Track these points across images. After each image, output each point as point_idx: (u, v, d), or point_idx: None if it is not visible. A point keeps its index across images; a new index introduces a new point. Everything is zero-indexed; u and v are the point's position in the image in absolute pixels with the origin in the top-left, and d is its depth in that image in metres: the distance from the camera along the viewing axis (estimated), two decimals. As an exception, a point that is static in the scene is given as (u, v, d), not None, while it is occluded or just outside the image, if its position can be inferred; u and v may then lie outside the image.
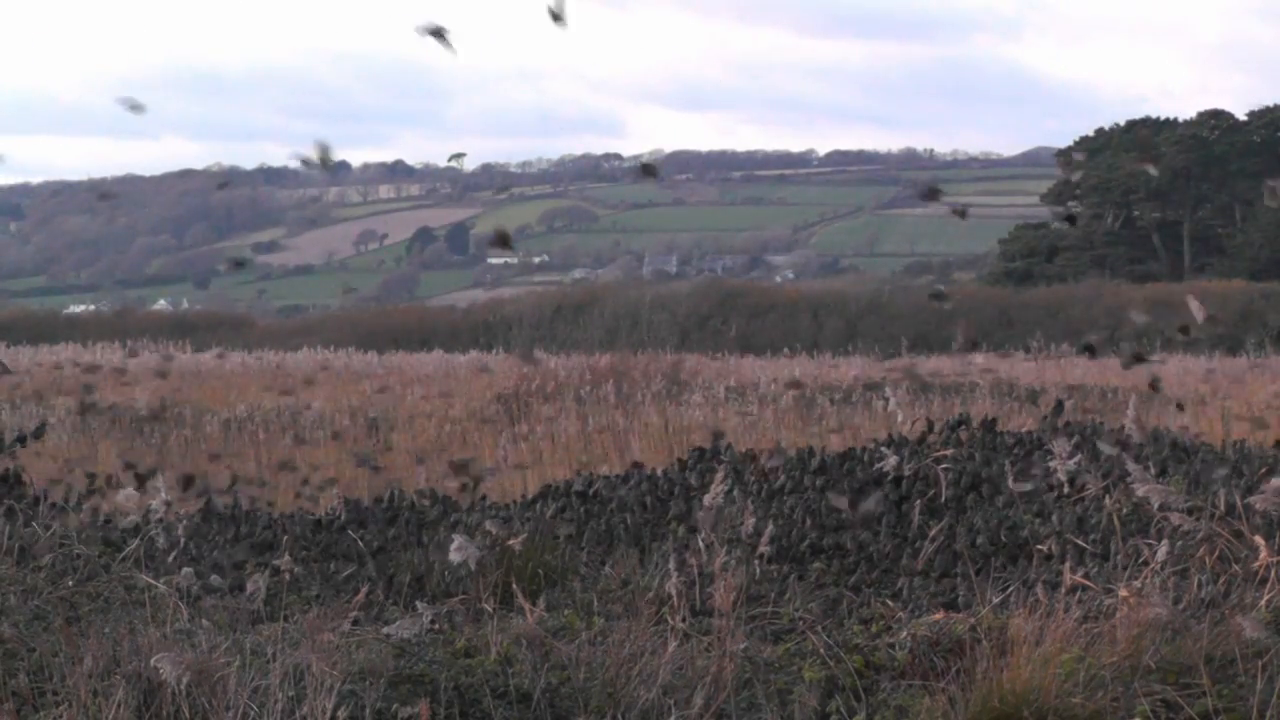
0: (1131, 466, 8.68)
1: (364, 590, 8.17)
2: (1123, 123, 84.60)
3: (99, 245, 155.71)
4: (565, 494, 13.67)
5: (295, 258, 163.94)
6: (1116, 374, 33.96)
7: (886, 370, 34.26)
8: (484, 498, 13.67)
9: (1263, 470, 12.08)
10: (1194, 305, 7.55)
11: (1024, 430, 14.20)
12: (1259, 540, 7.88)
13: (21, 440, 12.79)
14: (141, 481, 10.44)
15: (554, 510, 13.03)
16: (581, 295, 72.32)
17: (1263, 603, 7.72)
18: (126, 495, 10.00)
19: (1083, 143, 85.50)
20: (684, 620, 7.51)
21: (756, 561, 9.51)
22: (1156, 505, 8.23)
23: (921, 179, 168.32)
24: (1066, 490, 10.79)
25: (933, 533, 10.75)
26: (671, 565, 7.83)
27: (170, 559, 9.78)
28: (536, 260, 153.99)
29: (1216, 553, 8.53)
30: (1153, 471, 11.24)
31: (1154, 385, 12.27)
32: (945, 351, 46.76)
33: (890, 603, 8.57)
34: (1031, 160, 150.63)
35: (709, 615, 7.74)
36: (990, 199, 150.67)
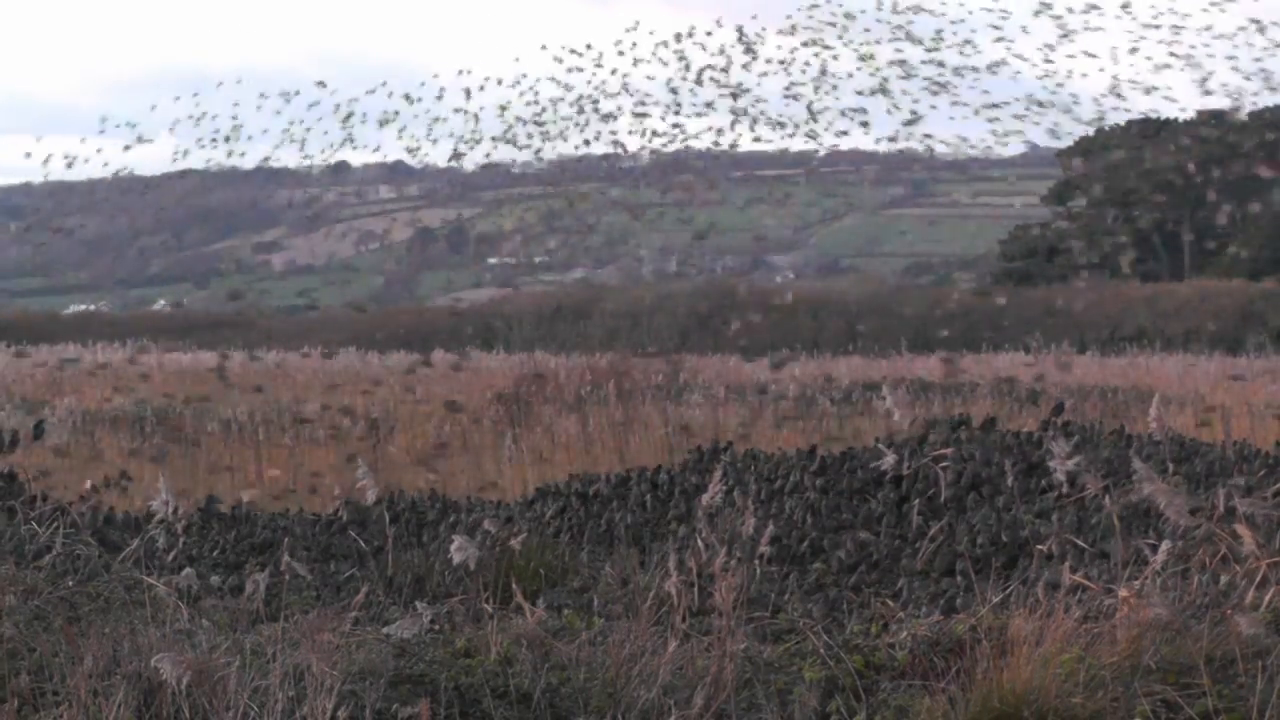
0: (1137, 465, 8.67)
1: (364, 590, 8.17)
2: (1123, 122, 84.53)
3: (99, 245, 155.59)
4: (565, 494, 13.68)
5: (295, 258, 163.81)
6: (1116, 374, 33.96)
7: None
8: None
9: (1262, 471, 12.10)
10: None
11: (1024, 430, 14.22)
12: (1244, 533, 7.86)
13: (15, 442, 12.81)
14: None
15: (554, 510, 13.05)
16: (581, 295, 72.29)
17: (1262, 602, 7.72)
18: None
19: (1082, 143, 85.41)
20: (684, 620, 7.51)
21: (756, 561, 9.50)
22: (1162, 505, 8.22)
23: (922, 179, 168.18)
24: (1066, 490, 10.79)
25: (932, 532, 10.76)
26: (671, 565, 7.83)
27: (170, 559, 9.78)
28: (537, 260, 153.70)
29: (1218, 553, 8.53)
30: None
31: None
32: (945, 351, 46.76)
33: (890, 603, 8.57)
34: (1032, 160, 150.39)
35: (709, 615, 7.74)
36: (990, 199, 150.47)
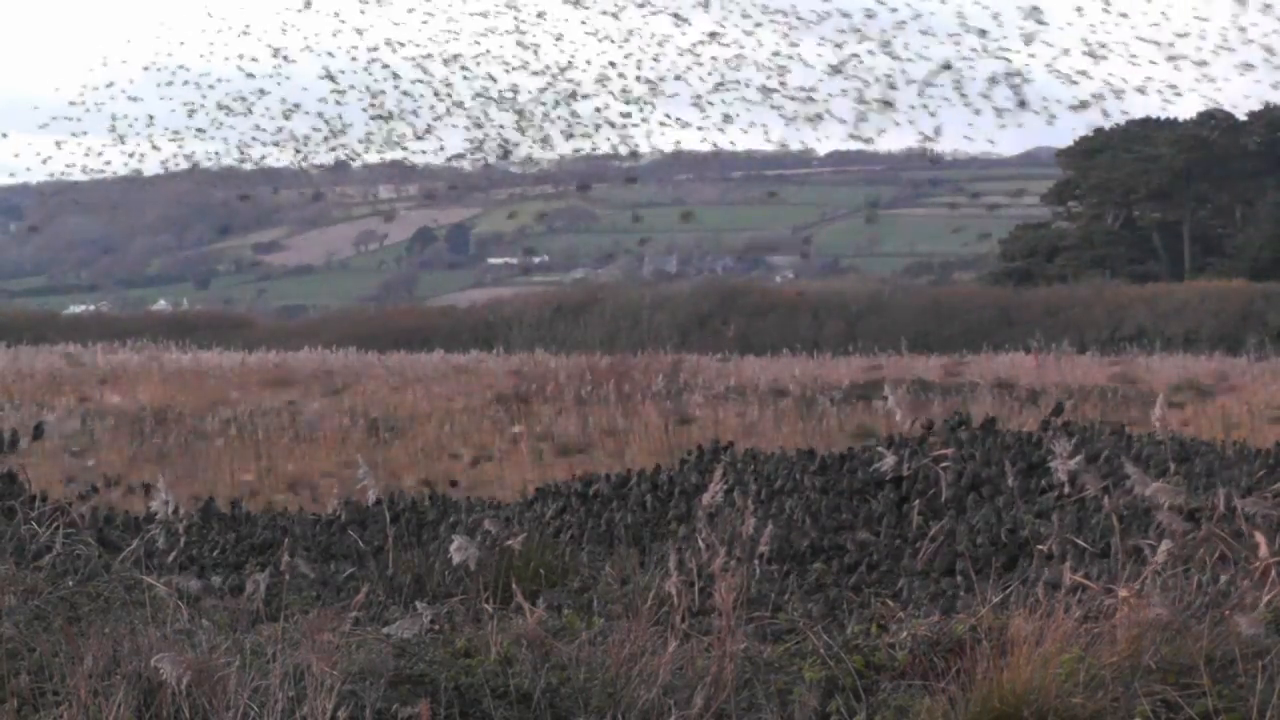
0: (1130, 469, 8.67)
1: (364, 590, 8.16)
2: (1122, 123, 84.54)
3: (99, 245, 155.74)
4: (565, 494, 13.68)
5: (295, 258, 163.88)
6: (1116, 375, 33.96)
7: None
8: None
9: (1262, 471, 12.09)
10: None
11: (1024, 430, 14.21)
12: (1259, 537, 7.86)
13: (15, 443, 12.80)
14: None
15: (554, 510, 13.04)
16: (581, 295, 72.28)
17: (1263, 602, 7.71)
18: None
19: (1082, 143, 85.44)
20: (684, 620, 7.51)
21: (756, 561, 9.49)
22: (1165, 505, 8.21)
23: (921, 179, 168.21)
24: (1066, 490, 10.79)
25: (932, 532, 10.75)
26: (671, 565, 7.82)
27: (170, 559, 9.77)
28: (536, 260, 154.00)
29: (1217, 553, 8.53)
30: (1153, 472, 11.25)
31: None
32: (945, 352, 46.77)
33: (890, 603, 8.56)
34: (1031, 160, 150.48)
35: (709, 615, 7.74)
36: (990, 199, 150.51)
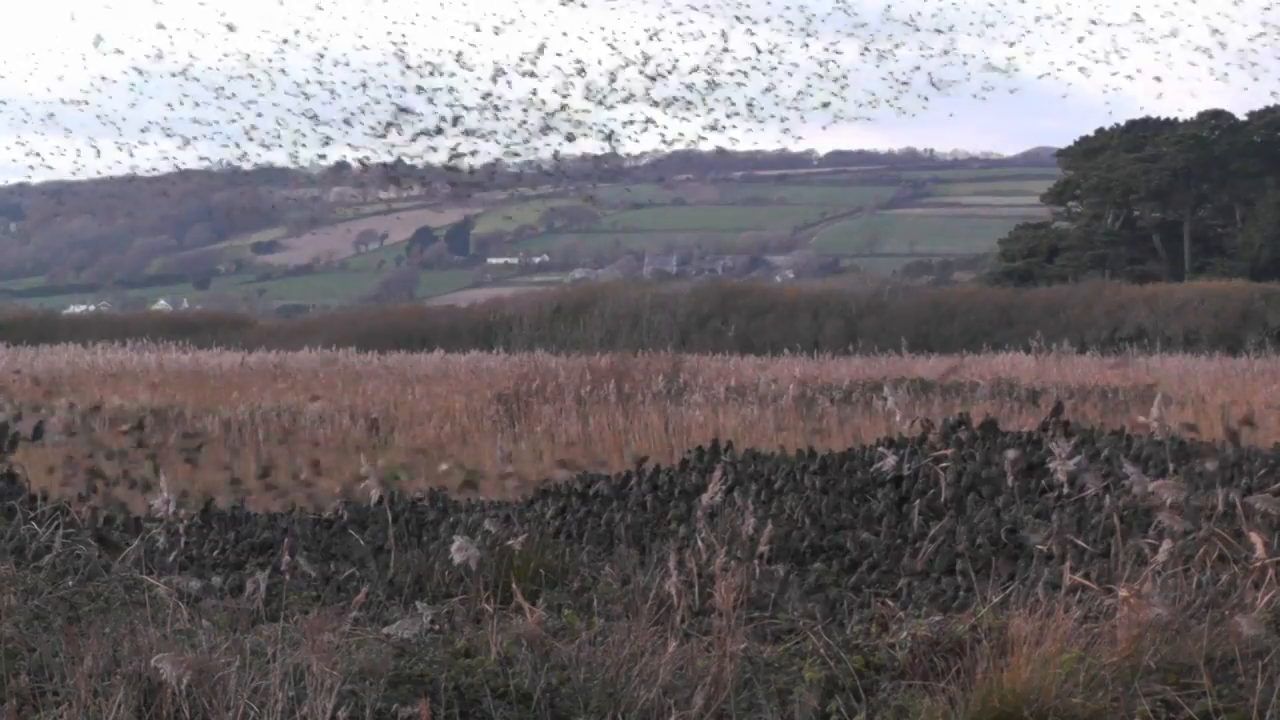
0: (1129, 468, 8.67)
1: (364, 590, 8.16)
2: (1122, 122, 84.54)
3: (99, 245, 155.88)
4: (565, 494, 13.69)
5: (295, 258, 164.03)
6: (1118, 375, 33.96)
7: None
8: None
9: (1263, 471, 12.09)
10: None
11: (1024, 430, 14.22)
12: (1255, 538, 7.86)
13: (14, 443, 12.80)
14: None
15: (554, 510, 13.05)
16: (581, 295, 72.22)
17: (1262, 602, 7.72)
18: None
19: (1083, 143, 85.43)
20: (684, 620, 7.51)
21: (756, 561, 9.50)
22: (1168, 503, 8.21)
23: (922, 179, 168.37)
24: (1066, 490, 10.79)
25: (932, 532, 10.75)
26: (671, 565, 7.83)
27: (170, 559, 9.78)
28: (536, 260, 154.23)
29: (1217, 553, 8.53)
30: (1153, 472, 11.25)
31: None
32: (945, 351, 46.79)
33: (890, 603, 8.56)
34: (1031, 160, 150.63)
35: (709, 615, 7.74)
36: (990, 199, 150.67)
